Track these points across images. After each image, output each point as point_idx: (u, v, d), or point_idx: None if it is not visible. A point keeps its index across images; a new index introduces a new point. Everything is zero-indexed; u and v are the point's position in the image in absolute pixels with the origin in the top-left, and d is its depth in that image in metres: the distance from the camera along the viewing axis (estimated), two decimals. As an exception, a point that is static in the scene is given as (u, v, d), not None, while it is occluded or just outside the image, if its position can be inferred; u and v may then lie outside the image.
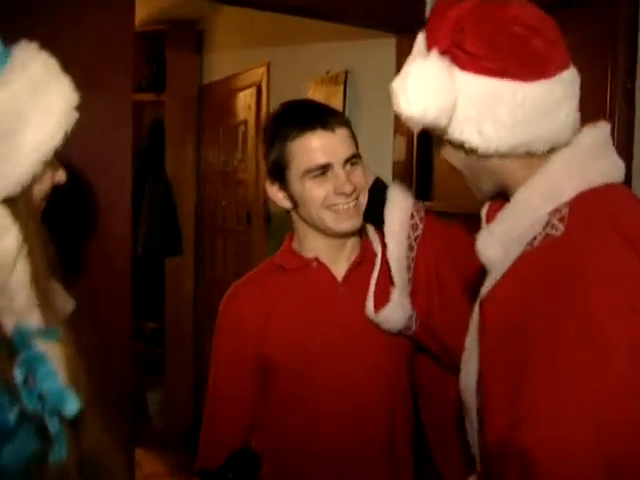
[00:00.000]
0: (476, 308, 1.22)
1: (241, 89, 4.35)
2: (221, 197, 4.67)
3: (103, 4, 2.05)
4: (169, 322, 4.77)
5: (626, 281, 0.99)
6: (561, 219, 1.09)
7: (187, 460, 3.94)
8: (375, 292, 1.64)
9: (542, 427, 0.99)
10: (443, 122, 1.10)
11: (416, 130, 1.16)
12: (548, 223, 1.10)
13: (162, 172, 4.64)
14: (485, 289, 1.18)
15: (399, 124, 2.73)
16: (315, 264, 1.67)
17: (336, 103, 3.10)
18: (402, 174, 2.74)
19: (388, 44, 2.78)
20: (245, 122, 4.29)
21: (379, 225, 1.65)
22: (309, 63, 3.57)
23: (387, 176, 2.74)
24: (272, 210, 3.96)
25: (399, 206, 1.62)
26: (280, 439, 1.66)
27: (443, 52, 1.10)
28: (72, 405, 0.99)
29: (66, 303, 1.19)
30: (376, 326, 1.63)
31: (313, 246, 1.68)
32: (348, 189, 1.56)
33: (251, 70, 4.20)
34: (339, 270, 1.68)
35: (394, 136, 2.81)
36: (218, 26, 4.73)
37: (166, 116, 4.74)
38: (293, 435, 1.65)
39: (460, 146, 1.15)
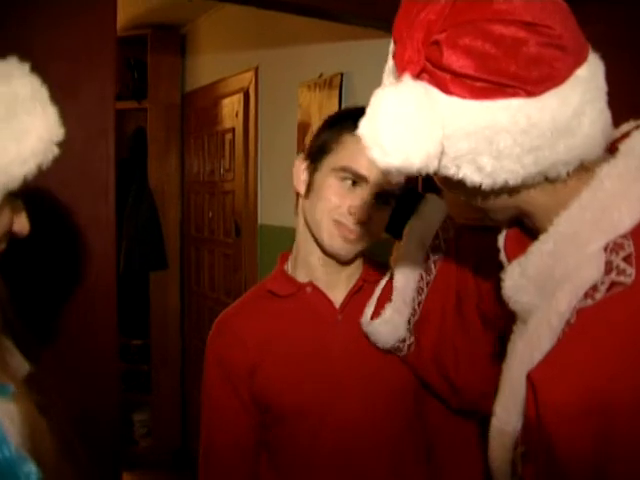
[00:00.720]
0: (519, 379, 0.95)
1: (227, 95, 4.23)
2: (207, 208, 4.56)
3: (84, 9, 1.93)
4: (155, 339, 4.67)
5: None
6: (627, 259, 0.86)
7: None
8: (379, 301, 1.49)
9: None
10: (433, 167, 0.86)
11: (401, 179, 0.96)
12: (610, 266, 0.87)
13: (145, 183, 4.54)
14: (523, 348, 0.96)
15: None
16: (310, 289, 1.53)
17: (331, 108, 2.96)
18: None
19: (387, 44, 2.59)
20: (232, 130, 4.16)
21: (398, 238, 1.51)
22: (300, 66, 3.43)
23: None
24: (263, 222, 3.84)
25: (423, 221, 1.47)
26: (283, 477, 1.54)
27: (417, 75, 0.86)
28: (27, 476, 0.88)
29: (20, 366, 1.06)
30: (378, 357, 1.49)
31: (309, 265, 1.54)
32: (361, 216, 1.43)
33: (238, 75, 4.07)
34: (337, 296, 1.54)
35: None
36: (202, 30, 4.63)
37: (149, 124, 4.62)
38: (295, 471, 1.52)
39: (460, 184, 0.91)
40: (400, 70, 0.88)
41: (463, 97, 0.84)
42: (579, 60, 0.86)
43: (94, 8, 1.94)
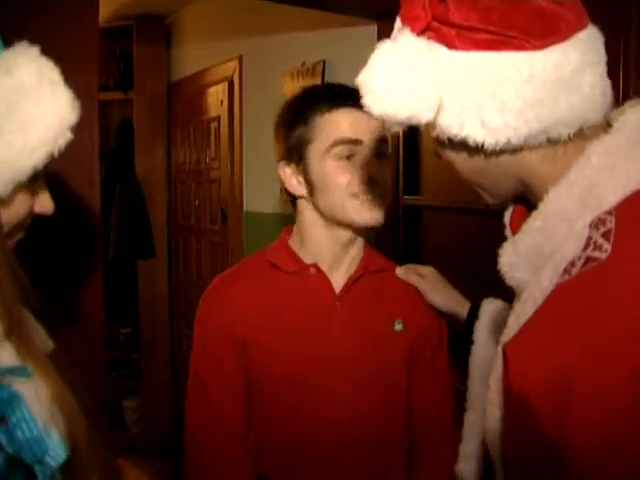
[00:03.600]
0: (498, 352, 0.95)
1: (212, 84, 4.25)
2: (194, 197, 4.59)
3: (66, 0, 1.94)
4: (144, 327, 4.66)
5: None
6: (606, 235, 0.84)
7: (168, 467, 3.89)
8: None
9: None
10: (426, 117, 0.89)
11: (399, 130, 0.95)
12: (589, 241, 0.85)
13: (132, 173, 4.53)
14: (512, 323, 0.95)
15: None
16: (313, 271, 1.53)
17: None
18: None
19: (368, 31, 2.65)
20: (217, 118, 4.19)
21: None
22: (283, 55, 3.45)
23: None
24: (248, 209, 3.87)
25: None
26: (268, 453, 1.55)
27: (421, 31, 0.88)
28: (56, 454, 0.87)
29: (45, 343, 1.05)
30: (372, 346, 1.53)
31: (315, 245, 1.54)
32: (376, 177, 1.44)
33: (222, 64, 4.09)
34: (338, 280, 1.55)
35: (378, 128, 2.67)
36: (187, 20, 4.63)
37: (135, 115, 4.61)
38: (281, 449, 1.54)
39: (462, 145, 0.92)
40: (404, 25, 0.90)
41: (468, 50, 0.86)
42: (580, 23, 0.88)
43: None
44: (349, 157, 1.44)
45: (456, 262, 2.31)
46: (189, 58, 4.62)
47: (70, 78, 1.89)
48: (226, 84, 4.03)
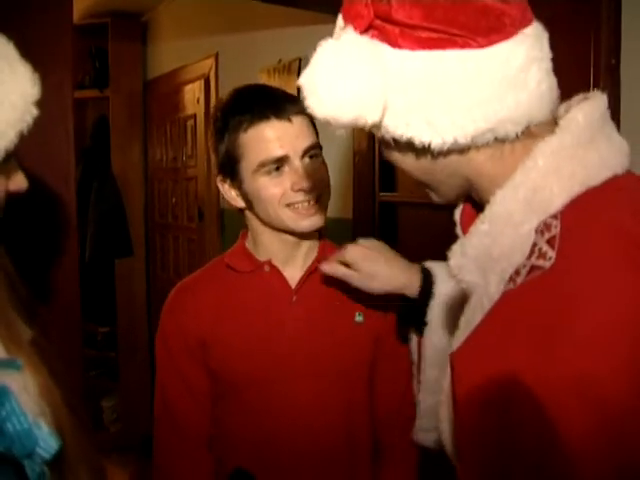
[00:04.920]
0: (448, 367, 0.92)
1: (188, 82, 4.25)
2: (171, 194, 4.58)
3: None
4: (121, 325, 4.65)
5: None
6: (550, 241, 0.82)
7: (148, 466, 3.89)
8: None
9: None
10: (372, 118, 0.85)
11: (344, 132, 0.90)
12: (534, 248, 0.84)
13: (108, 171, 4.51)
14: (463, 327, 0.95)
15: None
16: (268, 268, 1.55)
17: (291, 92, 2.97)
18: (363, 164, 2.64)
19: (343, 29, 2.63)
20: (194, 116, 4.19)
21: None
22: (260, 52, 3.46)
23: (348, 166, 2.66)
24: (225, 206, 3.87)
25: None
26: (234, 451, 1.55)
27: (364, 30, 0.85)
28: (47, 445, 0.86)
29: (23, 332, 1.03)
30: (331, 339, 1.53)
31: (267, 245, 1.55)
32: (307, 185, 1.43)
33: (198, 62, 4.09)
34: (293, 275, 1.55)
35: (353, 126, 2.68)
36: (162, 17, 4.62)
37: (111, 113, 4.59)
38: (247, 447, 1.53)
39: (409, 146, 0.89)
40: (345, 24, 0.88)
41: (412, 49, 0.84)
42: (525, 19, 0.87)
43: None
44: (278, 169, 1.44)
45: (432, 257, 2.32)
46: (165, 56, 4.60)
47: (44, 76, 1.89)
48: (202, 82, 4.03)
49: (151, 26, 4.75)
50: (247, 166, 1.46)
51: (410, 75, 0.84)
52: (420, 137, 0.86)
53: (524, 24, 0.86)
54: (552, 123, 0.90)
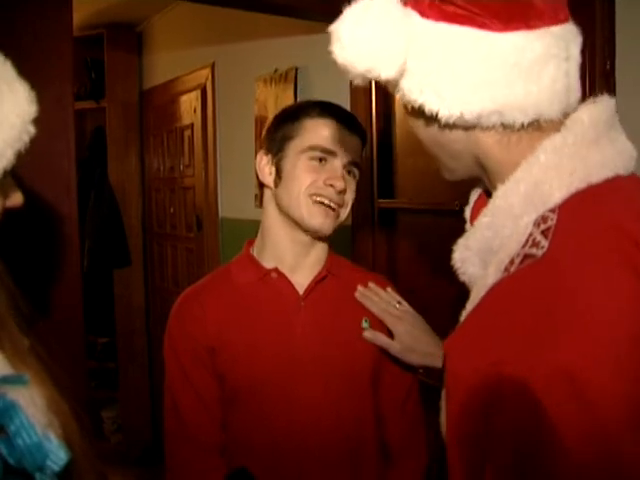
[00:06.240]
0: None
1: (185, 92, 4.25)
2: (169, 204, 4.58)
3: (40, 9, 1.92)
4: (121, 336, 4.65)
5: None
6: (545, 232, 0.84)
7: (149, 476, 3.88)
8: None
9: None
10: (385, 74, 0.90)
11: (360, 83, 0.96)
12: (529, 238, 0.86)
13: (105, 182, 4.51)
14: (462, 319, 0.96)
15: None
16: (275, 275, 1.57)
17: (287, 101, 3.00)
18: (362, 171, 2.65)
19: (339, 38, 2.64)
20: (191, 126, 4.19)
21: None
22: (256, 62, 3.47)
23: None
24: (223, 215, 3.88)
25: None
26: (244, 455, 1.56)
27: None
28: (57, 457, 0.85)
29: (22, 341, 1.02)
30: (338, 343, 1.56)
31: (277, 245, 1.58)
32: (340, 185, 1.49)
33: (195, 72, 4.10)
34: (301, 281, 1.58)
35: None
36: (158, 28, 4.63)
37: (107, 123, 4.60)
38: (256, 451, 1.55)
39: (420, 112, 0.94)
40: None
41: (436, 20, 0.89)
42: (556, 18, 0.90)
43: (50, 8, 1.93)
44: (321, 161, 1.51)
45: (430, 263, 2.34)
46: (161, 66, 4.61)
47: (45, 88, 1.89)
48: (199, 91, 4.04)
49: (146, 36, 4.77)
50: (298, 144, 1.53)
51: (428, 44, 0.89)
52: (430, 105, 0.91)
53: (553, 22, 0.89)
54: (561, 122, 0.92)
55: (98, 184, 4.47)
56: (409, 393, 1.68)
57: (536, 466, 0.77)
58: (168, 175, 4.57)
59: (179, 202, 4.44)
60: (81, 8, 3.51)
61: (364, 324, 1.59)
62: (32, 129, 0.94)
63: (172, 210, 4.53)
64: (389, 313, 1.58)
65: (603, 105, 0.93)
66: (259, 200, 1.65)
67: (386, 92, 2.56)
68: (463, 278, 1.00)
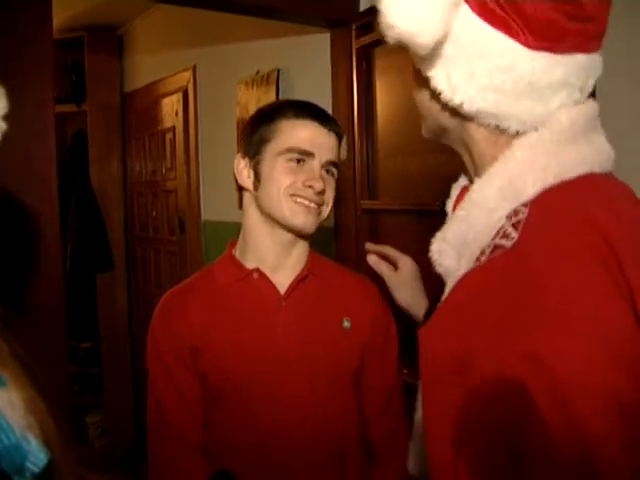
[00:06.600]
0: None
1: (167, 94, 4.24)
2: (151, 207, 4.57)
3: (19, 11, 1.92)
4: (104, 340, 4.62)
5: (594, 323, 0.76)
6: (515, 224, 0.86)
7: (133, 479, 3.86)
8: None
9: None
10: (421, 41, 0.87)
11: (391, 41, 0.93)
12: (500, 230, 0.88)
13: (87, 185, 4.48)
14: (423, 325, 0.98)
15: (338, 121, 2.62)
16: (256, 275, 1.58)
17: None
18: (344, 173, 2.65)
19: (322, 39, 2.69)
20: (173, 128, 4.18)
21: None
22: (238, 64, 3.46)
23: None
24: (206, 218, 3.87)
25: None
26: (228, 455, 1.56)
27: None
28: (36, 459, 0.84)
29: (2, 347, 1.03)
30: (321, 342, 1.57)
31: (259, 245, 1.59)
32: (319, 186, 1.50)
33: (176, 74, 4.10)
34: (282, 281, 1.59)
35: (333, 134, 2.68)
36: (138, 30, 4.61)
37: (89, 127, 4.58)
38: (240, 451, 1.55)
39: (427, 83, 0.97)
40: None
41: (479, 15, 0.89)
42: (586, 46, 0.92)
43: (29, 10, 1.93)
44: (299, 162, 1.52)
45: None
46: (142, 69, 4.60)
47: (25, 89, 1.89)
48: (181, 94, 4.03)
49: (127, 39, 4.75)
50: (274, 147, 1.53)
51: (461, 33, 0.90)
52: (437, 83, 0.94)
53: (582, 50, 0.91)
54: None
55: (80, 188, 4.44)
56: (393, 394, 1.69)
57: (511, 450, 0.79)
58: (150, 178, 4.56)
59: (161, 205, 4.43)
60: (61, 10, 3.49)
61: (345, 324, 1.60)
62: (4, 125, 0.94)
63: (154, 213, 4.52)
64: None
65: (584, 107, 0.95)
66: (238, 202, 1.65)
67: (368, 92, 2.54)
68: (439, 270, 1.02)
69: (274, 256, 1.59)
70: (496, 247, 0.87)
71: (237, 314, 1.56)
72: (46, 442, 0.89)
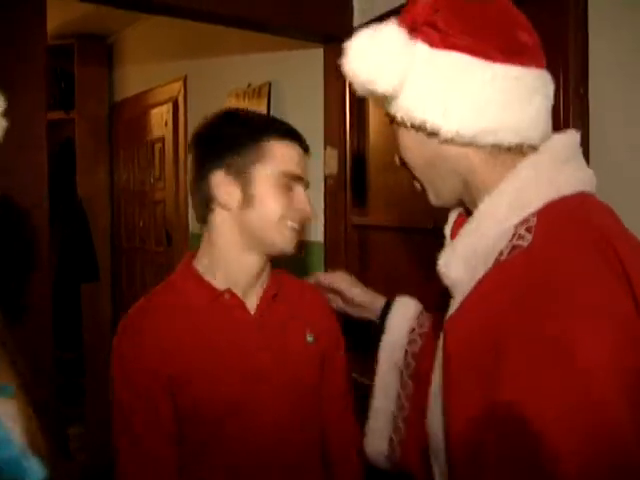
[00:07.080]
0: (441, 340, 1.10)
1: (156, 105, 4.24)
2: (138, 218, 4.54)
3: (12, 18, 1.94)
4: (88, 351, 4.57)
5: (600, 299, 0.88)
6: (528, 229, 0.99)
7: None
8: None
9: None
10: (382, 89, 1.04)
11: (363, 93, 1.09)
12: (515, 235, 1.00)
13: (74, 195, 4.46)
14: (449, 315, 1.07)
15: (329, 136, 2.66)
16: (228, 296, 1.53)
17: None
18: (334, 188, 2.65)
19: (315, 54, 2.69)
20: (162, 139, 4.17)
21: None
22: (229, 76, 3.46)
23: (319, 191, 2.68)
24: (194, 230, 3.85)
25: (392, 336, 1.62)
26: (202, 471, 1.53)
27: (410, 29, 1.04)
28: (33, 473, 0.83)
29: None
30: (294, 358, 1.58)
31: (229, 267, 1.53)
32: (310, 210, 1.54)
33: (166, 85, 4.09)
34: (251, 300, 1.57)
35: (324, 148, 2.69)
36: (129, 40, 4.60)
37: (77, 135, 4.56)
38: (217, 473, 1.53)
39: (420, 128, 1.06)
40: (400, 24, 1.05)
41: (446, 49, 1.02)
42: (540, 62, 1.07)
43: (23, 17, 1.95)
44: (290, 189, 1.51)
45: (403, 279, 2.33)
46: (132, 78, 4.59)
47: (17, 97, 1.88)
48: (170, 104, 4.03)
49: (117, 49, 4.74)
50: (267, 169, 1.49)
51: (439, 67, 1.02)
52: (433, 120, 1.03)
53: (538, 65, 1.06)
54: (537, 148, 1.07)
55: (66, 197, 4.41)
56: (348, 400, 1.73)
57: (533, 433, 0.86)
58: (138, 188, 4.53)
59: (149, 216, 4.41)
60: (51, 17, 3.46)
61: (309, 338, 1.62)
62: (4, 122, 0.95)
63: (142, 224, 4.49)
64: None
65: (571, 135, 1.10)
66: (200, 217, 1.59)
67: (360, 107, 2.59)
68: (447, 282, 1.10)
69: (247, 278, 1.55)
70: (514, 247, 0.99)
71: (211, 336, 1.51)
72: (40, 458, 0.88)
